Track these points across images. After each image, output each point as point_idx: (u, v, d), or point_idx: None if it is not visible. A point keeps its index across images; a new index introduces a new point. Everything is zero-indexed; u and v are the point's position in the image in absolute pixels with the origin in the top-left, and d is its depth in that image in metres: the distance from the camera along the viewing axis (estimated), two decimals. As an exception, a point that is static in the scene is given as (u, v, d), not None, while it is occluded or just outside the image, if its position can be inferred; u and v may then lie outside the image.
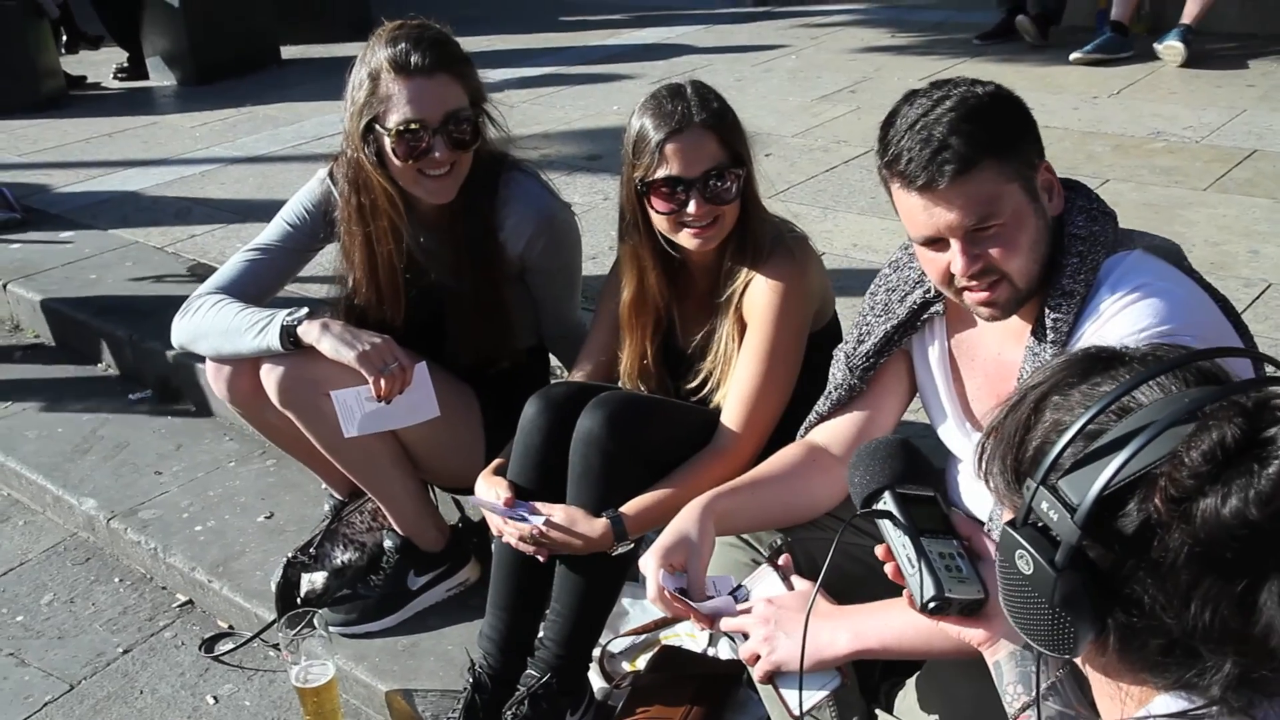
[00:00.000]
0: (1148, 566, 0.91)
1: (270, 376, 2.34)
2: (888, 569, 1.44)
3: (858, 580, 1.86)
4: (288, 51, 7.50)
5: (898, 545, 1.41)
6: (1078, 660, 1.05)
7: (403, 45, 2.25)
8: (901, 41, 6.74)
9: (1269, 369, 0.99)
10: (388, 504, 2.58)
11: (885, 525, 1.42)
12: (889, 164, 1.69)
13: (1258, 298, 3.30)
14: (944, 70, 5.80)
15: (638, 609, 2.48)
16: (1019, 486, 1.00)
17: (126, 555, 3.10)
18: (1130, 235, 1.78)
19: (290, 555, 2.65)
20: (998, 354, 1.87)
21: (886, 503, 1.43)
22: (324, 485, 2.82)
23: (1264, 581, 0.89)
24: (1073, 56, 5.68)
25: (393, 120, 2.27)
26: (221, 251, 4.33)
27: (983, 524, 1.71)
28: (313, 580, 2.64)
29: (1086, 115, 4.98)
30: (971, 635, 1.42)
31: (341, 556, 2.65)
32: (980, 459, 1.06)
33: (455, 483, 2.66)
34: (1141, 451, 0.90)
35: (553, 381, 2.58)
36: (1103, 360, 1.01)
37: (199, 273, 4.18)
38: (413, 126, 2.26)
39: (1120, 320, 1.63)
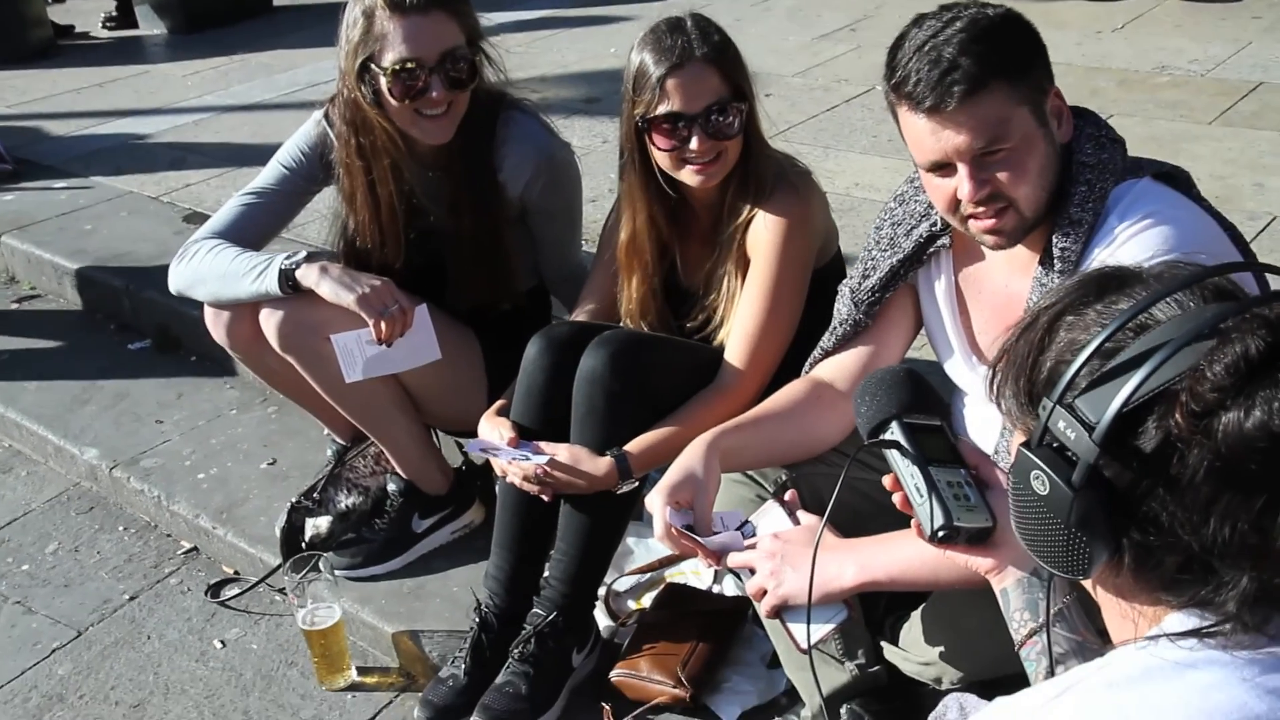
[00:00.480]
0: (1167, 483, 0.90)
1: (269, 321, 2.33)
2: (895, 499, 1.44)
3: (864, 515, 1.86)
4: (279, -2, 7.41)
5: (905, 475, 1.40)
6: (1087, 584, 1.04)
7: None
8: (902, -21, 6.64)
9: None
10: (391, 448, 2.58)
11: (893, 455, 1.41)
12: (896, 86, 1.65)
13: (1263, 230, 3.28)
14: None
15: (642, 548, 2.49)
16: (1033, 407, 0.99)
17: (130, 504, 3.11)
18: (1139, 163, 1.76)
19: (294, 500, 2.65)
20: (1005, 285, 1.85)
21: (894, 432, 1.42)
22: (326, 430, 2.81)
23: None
24: None
25: (388, 59, 2.23)
26: (217, 200, 4.30)
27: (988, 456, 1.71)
28: (317, 525, 2.65)
29: (1091, 50, 4.92)
30: (979, 563, 1.42)
31: (345, 501, 2.66)
32: (992, 383, 1.04)
33: (458, 425, 2.66)
34: (1161, 367, 0.89)
35: (555, 322, 2.55)
36: (1117, 278, 0.99)
37: (195, 221, 4.15)
38: (409, 65, 2.23)
39: (1130, 246, 1.62)
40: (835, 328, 2.02)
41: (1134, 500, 0.92)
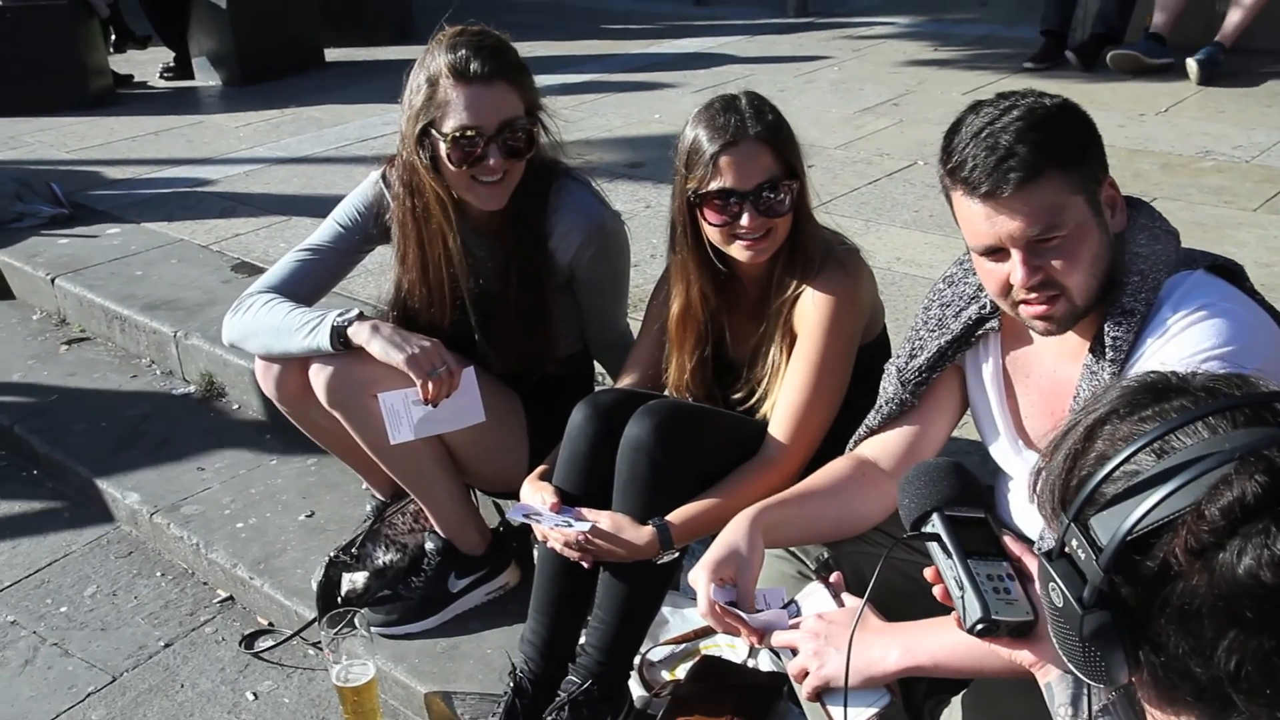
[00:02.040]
0: (1171, 613, 0.90)
1: (319, 376, 2.36)
2: (936, 591, 1.43)
3: (907, 597, 1.85)
4: (331, 54, 7.55)
5: (945, 568, 1.40)
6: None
7: (463, 52, 2.26)
8: (944, 55, 6.71)
9: None
10: (430, 506, 2.59)
11: (933, 548, 1.42)
12: (952, 171, 1.67)
13: (1308, 321, 3.26)
14: (987, 85, 5.76)
15: (678, 618, 2.48)
16: (1057, 517, 1.00)
17: (168, 550, 3.13)
18: (1192, 255, 1.76)
19: (332, 554, 2.66)
20: (1053, 371, 1.86)
21: (934, 525, 1.42)
22: (365, 485, 2.83)
23: None
24: (1110, 54, 5.68)
25: (449, 126, 2.28)
26: (265, 250, 4.38)
27: (1032, 543, 1.70)
28: (354, 580, 2.65)
29: (1134, 133, 4.94)
30: (1021, 657, 1.41)
31: (383, 557, 2.66)
32: (1034, 483, 1.05)
33: (498, 487, 2.67)
34: (1172, 497, 0.89)
35: (599, 388, 2.57)
36: (1157, 391, 0.99)
37: (243, 270, 4.22)
38: (469, 133, 2.27)
39: (1183, 339, 1.62)
40: (881, 406, 2.02)
41: (1145, 622, 0.93)
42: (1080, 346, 1.77)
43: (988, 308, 1.89)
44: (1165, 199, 4.16)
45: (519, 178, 2.39)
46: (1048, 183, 1.62)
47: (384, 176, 2.51)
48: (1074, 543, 0.95)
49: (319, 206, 4.77)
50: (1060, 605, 0.97)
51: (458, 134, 2.28)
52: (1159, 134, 4.94)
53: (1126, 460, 0.93)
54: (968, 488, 1.45)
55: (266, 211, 4.82)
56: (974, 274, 1.95)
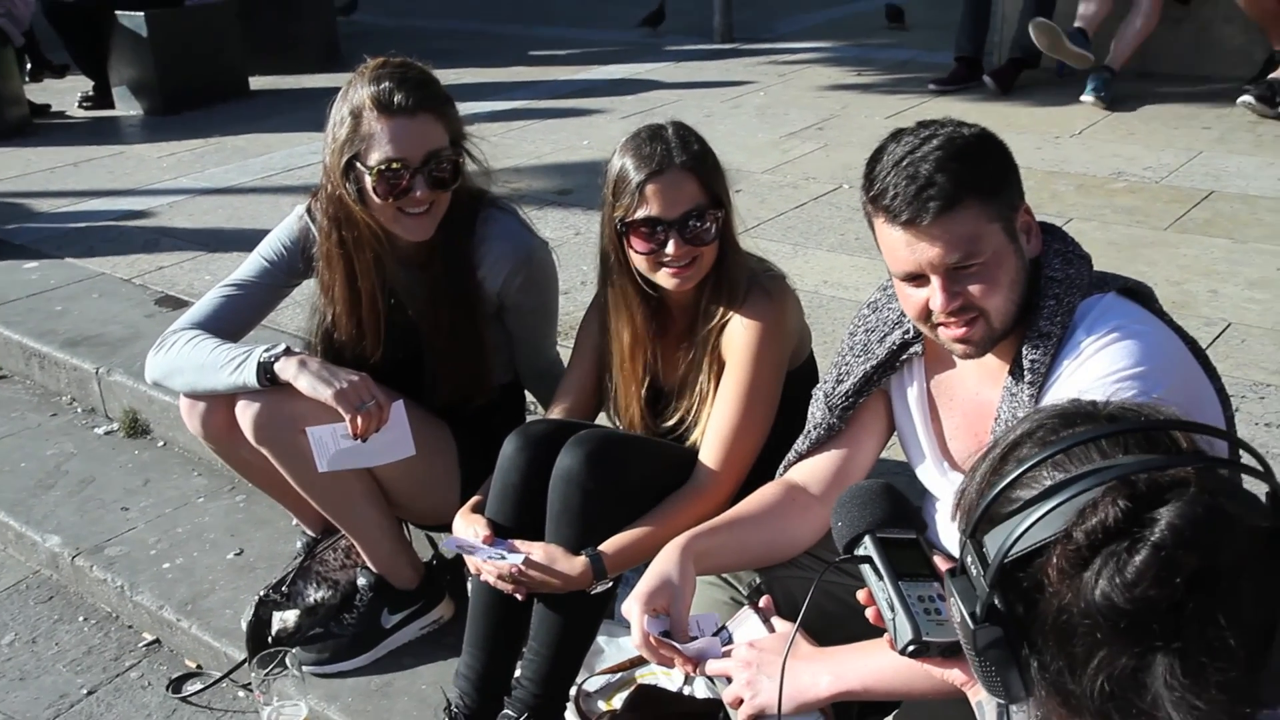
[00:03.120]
0: (1049, 630, 0.94)
1: (246, 413, 2.32)
2: (869, 613, 1.45)
3: (838, 619, 1.87)
4: (256, 82, 7.48)
5: (877, 590, 1.42)
6: None
7: (386, 84, 2.25)
8: (867, 80, 6.83)
9: (1242, 454, 0.99)
10: (362, 541, 2.56)
11: (865, 570, 1.43)
12: (874, 199, 1.70)
13: (1218, 337, 3.37)
14: (909, 110, 5.88)
15: (613, 647, 2.47)
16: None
17: (92, 593, 3.05)
18: (1104, 278, 1.81)
19: (262, 593, 2.62)
20: (975, 394, 1.89)
21: (866, 547, 1.44)
22: (295, 522, 2.79)
23: (1150, 661, 0.90)
24: (1035, 20, 5.65)
25: (374, 158, 2.27)
26: (190, 283, 4.31)
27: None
28: (284, 619, 2.61)
29: (1050, 155, 5.06)
30: (952, 676, 1.43)
31: (314, 594, 2.62)
32: (955, 504, 1.07)
33: (430, 520, 2.65)
34: (1048, 517, 0.93)
35: (531, 419, 2.56)
36: (1067, 417, 1.02)
37: (167, 304, 4.15)
38: (394, 165, 2.26)
39: (1096, 361, 1.66)
40: (809, 431, 2.04)
41: (1030, 640, 0.96)
42: (1000, 369, 1.81)
43: (911, 333, 1.92)
44: (1080, 219, 4.27)
45: (445, 208, 2.38)
46: (966, 211, 1.65)
47: (309, 210, 2.49)
48: (968, 559, 0.98)
49: (245, 238, 4.70)
50: (958, 621, 1.00)
51: (383, 166, 2.27)
52: (1074, 155, 5.07)
53: (1016, 481, 0.96)
54: (899, 509, 1.47)
55: (191, 244, 4.75)
56: (897, 299, 1.99)
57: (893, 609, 1.38)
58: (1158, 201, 4.49)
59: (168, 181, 5.66)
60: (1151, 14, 5.69)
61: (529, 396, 2.80)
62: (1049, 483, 0.95)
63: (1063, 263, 1.77)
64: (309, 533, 2.73)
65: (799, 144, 5.56)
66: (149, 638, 2.89)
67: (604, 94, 6.81)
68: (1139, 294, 1.80)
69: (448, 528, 2.67)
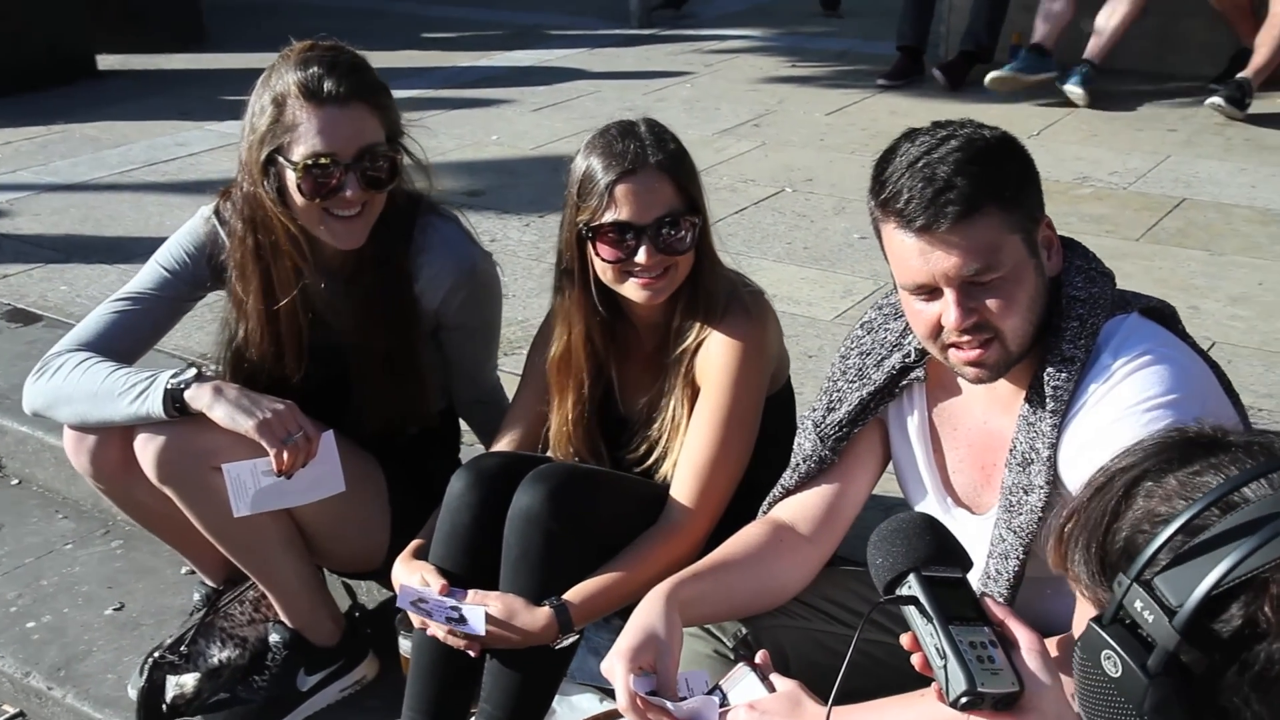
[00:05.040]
0: (1251, 678, 0.94)
1: (147, 448, 2.26)
2: (914, 660, 1.46)
3: (829, 672, 1.90)
4: (104, 61, 7.31)
5: (924, 634, 1.43)
6: None
7: (314, 69, 2.22)
8: (804, 72, 6.96)
9: None
10: (277, 592, 2.51)
11: (911, 613, 1.45)
12: (885, 203, 1.74)
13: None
14: (852, 105, 6.01)
15: (565, 706, 2.46)
16: (1105, 579, 1.04)
17: (-60, 659, 2.93)
18: (1125, 297, 1.88)
19: (157, 655, 2.54)
20: (983, 423, 1.94)
21: (911, 587, 1.45)
22: (187, 570, 2.73)
23: None
24: (989, 78, 5.95)
25: (299, 152, 2.24)
26: (43, 295, 4.18)
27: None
28: (182, 683, 2.54)
29: (1009, 158, 5.21)
30: (1001, 731, 1.46)
31: (218, 654, 2.57)
32: (1060, 543, 1.09)
33: (354, 566, 2.62)
34: (1256, 552, 0.94)
35: (483, 452, 2.53)
36: (1201, 445, 1.05)
37: (17, 320, 4.01)
38: (322, 160, 2.24)
39: (1127, 386, 1.72)
40: (798, 464, 2.07)
41: (1214, 691, 0.96)
42: (1013, 396, 1.86)
43: (912, 356, 1.96)
44: (1049, 229, 4.40)
45: (378, 212, 2.36)
46: (986, 219, 1.70)
47: (217, 212, 2.44)
48: (1137, 604, 0.98)
49: (105, 244, 4.61)
50: (1117, 675, 0.99)
51: (309, 161, 2.24)
52: (1035, 158, 5.20)
53: (1196, 516, 0.97)
54: (944, 545, 1.48)
55: (40, 249, 4.61)
56: (894, 319, 2.03)
57: (943, 656, 1.39)
58: (1127, 209, 4.67)
59: (5, 175, 5.49)
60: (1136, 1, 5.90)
61: (464, 425, 2.78)
62: (1218, 518, 0.97)
63: (1085, 281, 1.83)
64: (209, 583, 2.68)
65: (734, 142, 5.64)
66: (11, 710, 2.79)
67: (510, 83, 6.82)
68: (1163, 314, 1.88)
69: (373, 575, 2.64)
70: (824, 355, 3.58)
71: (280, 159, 2.26)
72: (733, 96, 6.44)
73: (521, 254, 4.43)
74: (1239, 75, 5.60)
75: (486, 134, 5.85)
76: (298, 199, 2.27)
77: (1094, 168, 5.11)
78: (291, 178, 2.25)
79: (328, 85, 2.23)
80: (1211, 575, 0.95)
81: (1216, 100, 5.56)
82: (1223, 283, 4.01)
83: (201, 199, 2.53)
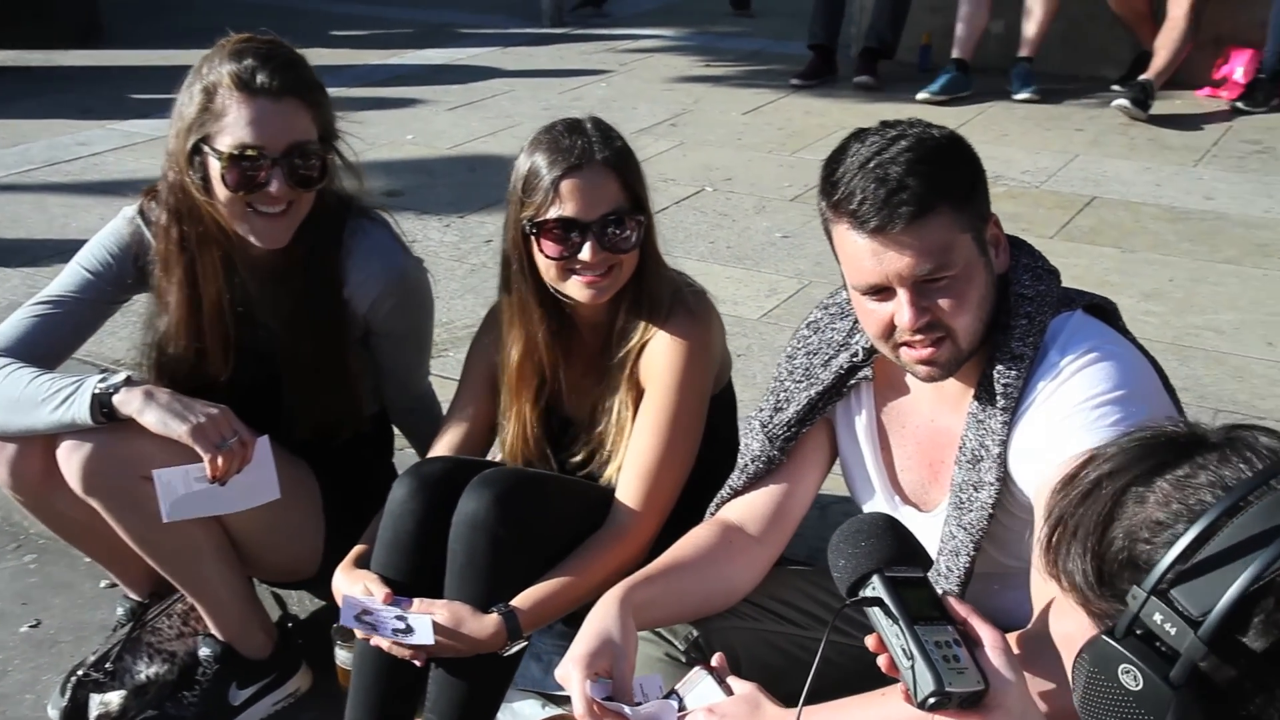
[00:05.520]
0: (1276, 683, 0.94)
1: (72, 457, 2.18)
2: (880, 661, 1.46)
3: (781, 673, 1.89)
4: (-1, 57, 7.06)
5: (890, 635, 1.43)
6: None
7: (249, 61, 2.17)
8: (718, 72, 6.99)
9: None
10: (207, 604, 2.44)
11: (875, 614, 1.45)
12: (837, 204, 1.73)
13: (1121, 352, 3.58)
14: (767, 105, 6.04)
15: (508, 714, 2.43)
16: (1105, 589, 1.03)
17: None
18: (1069, 294, 1.90)
19: (80, 673, 2.46)
20: (931, 421, 1.95)
21: (875, 588, 1.45)
22: (107, 583, 2.64)
23: None
24: (920, 96, 6.06)
25: (225, 142, 2.18)
26: (-57, 300, 4.01)
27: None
28: (106, 702, 2.47)
29: (922, 157, 5.29)
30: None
31: (145, 670, 2.49)
32: (1048, 551, 1.08)
33: (287, 576, 2.56)
34: (1277, 560, 0.94)
35: (427, 456, 2.47)
36: (1183, 445, 1.05)
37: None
38: (249, 152, 2.18)
39: (1075, 383, 1.74)
40: (746, 465, 2.06)
41: (1238, 700, 0.96)
42: (961, 394, 1.87)
43: (859, 355, 1.96)
44: (966, 227, 4.47)
45: (305, 212, 2.31)
46: (939, 219, 1.70)
47: (141, 211, 2.37)
48: (1156, 616, 0.97)
49: (7, 246, 4.43)
50: (1138, 689, 0.98)
51: (236, 152, 2.18)
52: (949, 158, 5.31)
53: (1209, 526, 0.96)
54: (905, 545, 1.49)
55: (-64, 254, 4.42)
56: (841, 319, 2.03)
57: (910, 657, 1.40)
58: (1040, 208, 4.76)
59: (-107, 175, 5.27)
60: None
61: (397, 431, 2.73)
62: (1227, 523, 0.96)
63: (1033, 279, 1.85)
64: (133, 597, 2.59)
65: (652, 141, 5.62)
66: (-79, 735, 2.67)
67: (422, 82, 6.73)
68: (1105, 311, 1.90)
69: (310, 585, 2.58)
70: (752, 354, 3.59)
71: (206, 148, 2.20)
72: (649, 96, 6.43)
73: (443, 255, 4.37)
74: (1141, 77, 5.75)
75: (402, 133, 5.75)
76: (221, 191, 2.21)
77: (1006, 167, 5.20)
78: (216, 167, 2.19)
79: (261, 78, 2.17)
80: (1236, 585, 0.94)
81: (1121, 102, 5.70)
82: (1135, 279, 4.11)
83: (108, 199, 2.46)
